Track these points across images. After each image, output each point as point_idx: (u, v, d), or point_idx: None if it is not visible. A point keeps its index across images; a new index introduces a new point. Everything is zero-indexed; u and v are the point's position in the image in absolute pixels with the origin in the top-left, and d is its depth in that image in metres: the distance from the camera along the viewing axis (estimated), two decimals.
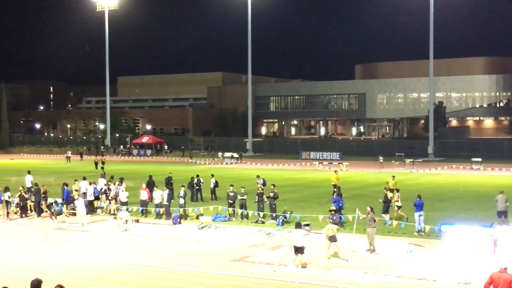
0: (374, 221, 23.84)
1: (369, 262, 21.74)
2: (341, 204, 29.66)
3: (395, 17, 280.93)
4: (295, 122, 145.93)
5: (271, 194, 31.34)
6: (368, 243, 23.52)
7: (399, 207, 29.96)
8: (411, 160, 69.96)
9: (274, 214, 30.43)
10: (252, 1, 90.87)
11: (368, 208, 24.58)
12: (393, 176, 38.12)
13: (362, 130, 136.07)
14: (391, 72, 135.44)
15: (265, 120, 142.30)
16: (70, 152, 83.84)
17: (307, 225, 27.50)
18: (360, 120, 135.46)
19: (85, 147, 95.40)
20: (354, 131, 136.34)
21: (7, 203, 32.04)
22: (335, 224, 24.92)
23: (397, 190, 31.43)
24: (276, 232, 27.41)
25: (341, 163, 66.60)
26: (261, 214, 30.46)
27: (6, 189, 32.54)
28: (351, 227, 27.01)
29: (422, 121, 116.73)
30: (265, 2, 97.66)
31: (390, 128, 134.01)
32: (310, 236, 24.80)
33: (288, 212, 30.49)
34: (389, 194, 30.31)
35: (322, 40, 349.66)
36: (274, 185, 32.62)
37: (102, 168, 64.07)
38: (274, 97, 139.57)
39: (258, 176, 39.71)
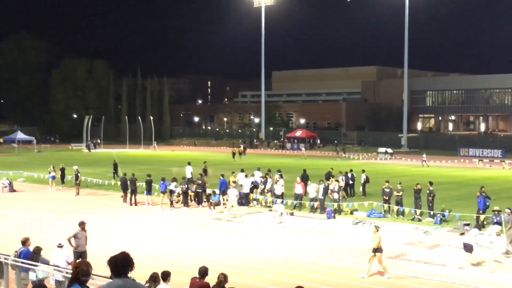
0: None
1: None
2: (488, 203, 28.17)
3: None
4: (453, 117, 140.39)
5: (427, 191, 30.41)
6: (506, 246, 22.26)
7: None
8: None
9: (432, 212, 29.45)
10: None
11: (508, 210, 23.34)
12: None
13: None
14: None
15: (420, 115, 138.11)
16: (243, 146, 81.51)
17: (467, 224, 26.39)
18: None
19: (240, 140, 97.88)
20: None
21: (171, 192, 33.65)
22: (496, 224, 23.77)
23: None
24: (434, 231, 26.51)
25: (504, 161, 63.24)
26: (418, 211, 29.57)
27: (174, 180, 34.15)
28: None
29: None
30: None
31: None
32: None
33: (447, 211, 29.38)
34: None
35: (482, 31, 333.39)
36: (431, 183, 31.47)
37: (233, 157, 67.01)
38: (430, 92, 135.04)
39: (363, 171, 38.74)
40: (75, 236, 18.69)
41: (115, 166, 46.60)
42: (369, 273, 19.05)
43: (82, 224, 19.03)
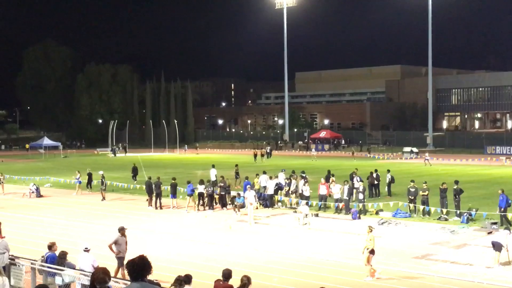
0: None
1: None
2: (510, 202, 27.78)
3: None
4: (479, 115, 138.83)
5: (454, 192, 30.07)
6: None
7: None
8: None
9: (458, 211, 29.13)
10: None
11: None
12: None
13: None
14: None
15: (446, 114, 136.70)
16: (269, 147, 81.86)
17: (494, 223, 26.09)
18: None
19: (265, 142, 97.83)
20: None
21: (200, 194, 33.64)
22: None
23: None
24: (461, 230, 26.21)
25: None
26: (444, 211, 29.26)
27: (201, 182, 34.16)
28: None
29: None
30: None
31: None
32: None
33: (473, 210, 29.05)
34: None
35: (508, 27, 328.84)
36: (457, 182, 31.13)
37: (254, 158, 66.51)
38: (456, 90, 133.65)
39: (388, 171, 38.50)
40: (115, 243, 18.67)
41: (135, 170, 46.92)
42: (378, 273, 18.92)
43: (122, 230, 18.92)
